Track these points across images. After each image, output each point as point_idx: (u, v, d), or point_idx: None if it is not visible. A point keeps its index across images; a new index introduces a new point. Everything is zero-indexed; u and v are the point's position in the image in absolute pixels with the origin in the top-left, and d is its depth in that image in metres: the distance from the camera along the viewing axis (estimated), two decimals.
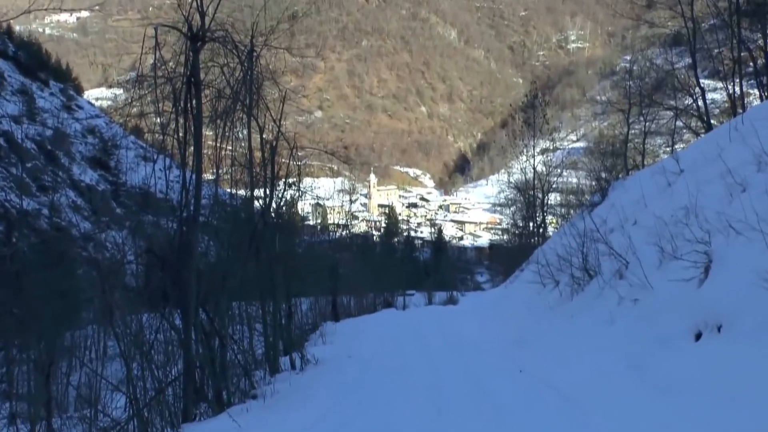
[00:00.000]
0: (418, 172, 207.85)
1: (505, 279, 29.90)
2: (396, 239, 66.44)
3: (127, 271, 12.18)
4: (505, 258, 45.42)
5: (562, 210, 37.57)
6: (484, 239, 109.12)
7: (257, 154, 12.37)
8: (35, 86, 58.98)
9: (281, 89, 12.52)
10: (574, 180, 38.51)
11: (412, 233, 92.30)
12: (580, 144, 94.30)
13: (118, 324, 9.41)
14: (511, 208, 43.49)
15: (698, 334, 6.52)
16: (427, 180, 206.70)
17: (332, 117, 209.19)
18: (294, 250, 17.82)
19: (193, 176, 8.94)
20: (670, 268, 8.12)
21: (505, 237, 53.50)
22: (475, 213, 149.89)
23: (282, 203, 13.75)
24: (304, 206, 33.17)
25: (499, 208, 69.39)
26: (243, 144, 11.66)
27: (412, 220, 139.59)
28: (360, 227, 68.58)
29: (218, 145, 10.25)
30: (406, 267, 47.99)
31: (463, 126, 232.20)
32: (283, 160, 13.05)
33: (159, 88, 8.76)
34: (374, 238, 62.08)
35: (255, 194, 12.03)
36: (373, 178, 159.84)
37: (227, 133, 10.32)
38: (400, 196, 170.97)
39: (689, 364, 6.16)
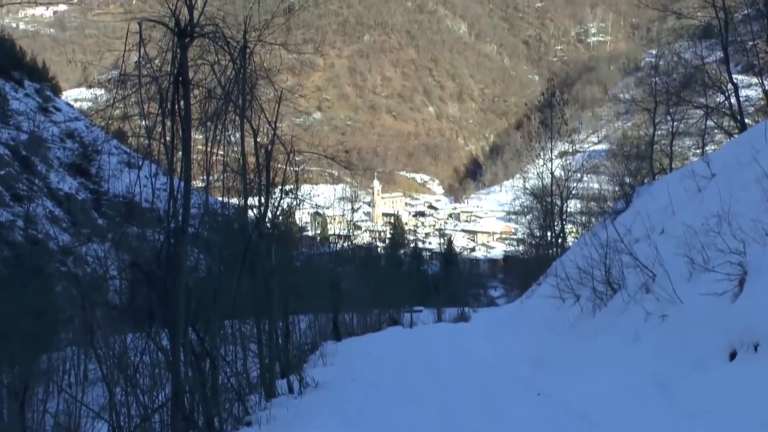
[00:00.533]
0: (426, 177, 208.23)
1: (520, 294, 29.86)
2: (402, 251, 66.54)
3: (109, 287, 12.19)
4: (521, 271, 45.38)
5: (583, 218, 37.53)
6: (498, 250, 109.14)
7: (251, 160, 12.41)
8: (8, 86, 59.30)
9: (277, 89, 12.57)
10: (596, 185, 38.49)
11: (420, 244, 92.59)
12: (602, 146, 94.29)
13: (100, 345, 9.43)
14: (527, 217, 43.48)
15: (733, 353, 6.48)
16: (436, 186, 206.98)
17: (332, 118, 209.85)
18: (292, 263, 17.84)
19: (182, 184, 8.97)
20: (701, 281, 8.10)
21: (520, 248, 53.49)
22: (488, 222, 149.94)
23: (278, 212, 13.76)
24: (303, 216, 33.18)
25: (514, 217, 69.45)
26: (235, 148, 11.69)
27: (419, 230, 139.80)
28: (363, 238, 68.74)
29: (209, 149, 10.28)
30: (413, 281, 47.96)
31: (474, 127, 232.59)
32: (279, 166, 13.07)
33: (144, 88, 8.78)
34: (378, 249, 62.11)
35: (249, 203, 12.05)
36: (376, 184, 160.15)
37: (218, 137, 10.34)
38: (406, 204, 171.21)
39: (723, 387, 6.13)
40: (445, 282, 56.05)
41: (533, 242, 43.55)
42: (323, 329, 22.61)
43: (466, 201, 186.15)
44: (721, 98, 23.62)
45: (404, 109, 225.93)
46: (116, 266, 12.45)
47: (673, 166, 25.13)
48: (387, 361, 15.50)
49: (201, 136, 10.63)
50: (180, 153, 9.25)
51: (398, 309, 32.29)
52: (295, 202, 15.17)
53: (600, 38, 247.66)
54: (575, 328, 12.25)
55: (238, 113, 11.28)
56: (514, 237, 75.91)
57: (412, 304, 36.15)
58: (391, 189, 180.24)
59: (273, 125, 12.44)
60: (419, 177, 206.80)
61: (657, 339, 8.22)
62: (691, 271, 8.63)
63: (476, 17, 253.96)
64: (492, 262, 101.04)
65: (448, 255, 72.08)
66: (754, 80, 23.46)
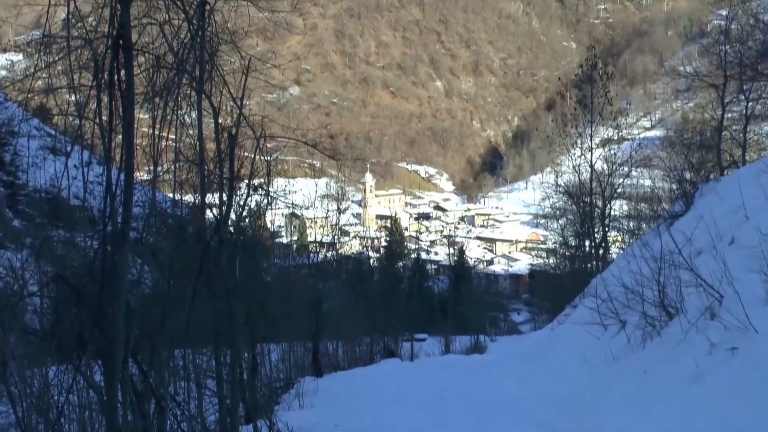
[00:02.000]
0: (432, 171, 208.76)
1: (550, 319, 29.87)
2: (401, 263, 66.56)
3: (27, 307, 12.15)
4: (552, 289, 45.44)
5: (630, 224, 37.60)
6: (523, 263, 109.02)
7: (210, 146, 12.39)
8: None
9: (244, 57, 12.55)
10: (647, 182, 38.45)
11: (424, 255, 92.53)
12: (656, 132, 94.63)
13: (14, 381, 9.39)
14: (560, 221, 43.55)
15: None
16: (444, 182, 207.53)
17: (314, 95, 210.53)
18: (261, 277, 17.79)
19: (122, 176, 8.94)
20: None
21: (551, 260, 53.53)
22: (510, 227, 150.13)
23: (245, 213, 13.74)
24: (275, 217, 33.12)
25: (543, 221, 69.35)
26: (191, 132, 11.67)
27: (423, 236, 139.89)
28: (352, 247, 68.72)
29: (157, 133, 10.26)
30: (414, 302, 47.95)
31: (493, 108, 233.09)
32: (247, 154, 13.05)
33: (74, 53, 8.76)
34: (371, 261, 62.09)
35: (207, 201, 12.02)
36: (369, 178, 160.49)
37: (169, 117, 10.31)
38: (406, 205, 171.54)
39: None
40: (456, 303, 55.85)
41: (567, 253, 43.60)
42: (300, 362, 22.57)
43: (482, 201, 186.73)
44: None
45: (405, 83, 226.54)
46: (36, 280, 12.40)
47: (747, 158, 25.20)
48: (381, 404, 15.47)
49: (147, 116, 10.57)
50: (120, 137, 9.19)
51: (396, 337, 32.24)
52: (265, 201, 15.15)
53: None
54: (620, 363, 12.25)
55: (194, 87, 11.25)
56: (543, 247, 75.97)
57: (414, 330, 36.12)
58: (388, 185, 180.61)
59: (239, 103, 12.42)
60: (423, 170, 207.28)
61: (725, 378, 8.22)
62: None
63: None
64: (515, 278, 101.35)
65: (459, 269, 71.94)
66: None
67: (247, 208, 13.66)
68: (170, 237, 11.87)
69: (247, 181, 13.18)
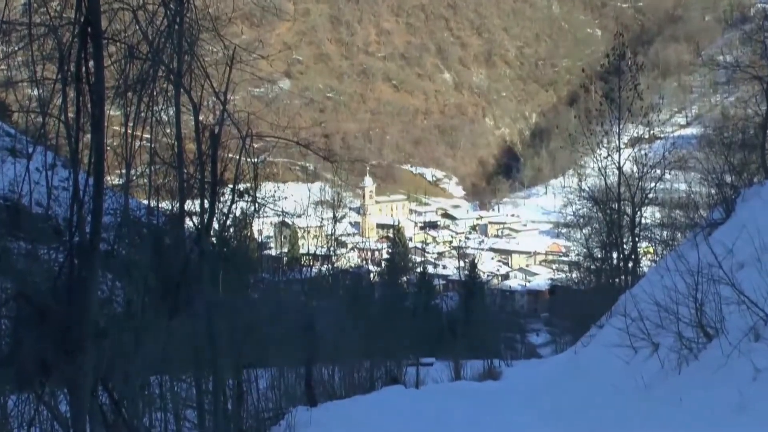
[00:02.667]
0: (440, 174, 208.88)
1: (574, 341, 29.83)
2: (405, 278, 66.53)
3: None
4: (575, 307, 45.37)
5: (663, 233, 37.58)
6: (542, 278, 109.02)
7: (190, 147, 12.42)
8: None
9: (228, 46, 12.58)
10: (682, 186, 38.42)
11: (430, 269, 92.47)
12: (692, 130, 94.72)
13: None
14: (584, 231, 43.53)
15: None
16: (454, 186, 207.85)
17: (306, 89, 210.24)
18: (247, 295, 17.80)
19: (90, 180, 8.93)
20: None
21: (573, 275, 53.51)
22: (527, 238, 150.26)
23: (229, 222, 13.76)
24: (263, 227, 33.10)
25: (564, 231, 69.43)
26: (168, 131, 11.69)
27: (430, 248, 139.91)
28: (349, 260, 68.82)
29: (130, 132, 10.27)
30: (420, 321, 47.93)
31: (509, 103, 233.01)
32: (231, 156, 13.08)
33: (36, 42, 8.76)
34: (372, 276, 62.09)
35: (187, 208, 12.04)
36: (369, 183, 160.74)
37: (143, 114, 10.33)
38: (411, 212, 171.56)
39: None
40: (466, 323, 55.89)
41: (592, 267, 43.57)
42: (292, 389, 22.56)
43: (496, 207, 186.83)
44: None
45: (409, 75, 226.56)
46: None
47: None
48: None
49: (119, 113, 10.57)
50: (88, 136, 9.17)
51: (399, 361, 32.22)
52: (252, 208, 15.18)
53: None
54: (652, 391, 12.23)
55: (171, 80, 11.25)
56: (565, 259, 76.02)
57: (419, 354, 36.09)
58: (390, 190, 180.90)
59: (222, 98, 12.45)
60: (430, 173, 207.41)
61: None
62: None
63: None
64: (533, 294, 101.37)
65: (471, 284, 71.94)
66: None
67: (231, 216, 13.69)
68: (145, 249, 11.89)
69: (231, 185, 13.22)
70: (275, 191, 18.17)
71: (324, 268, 36.69)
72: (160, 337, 10.92)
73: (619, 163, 36.45)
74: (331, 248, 37.78)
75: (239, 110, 13.67)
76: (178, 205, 12.08)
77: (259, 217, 18.55)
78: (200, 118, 12.32)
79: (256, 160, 13.64)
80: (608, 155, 36.95)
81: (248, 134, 12.99)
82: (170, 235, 12.62)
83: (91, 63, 8.83)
